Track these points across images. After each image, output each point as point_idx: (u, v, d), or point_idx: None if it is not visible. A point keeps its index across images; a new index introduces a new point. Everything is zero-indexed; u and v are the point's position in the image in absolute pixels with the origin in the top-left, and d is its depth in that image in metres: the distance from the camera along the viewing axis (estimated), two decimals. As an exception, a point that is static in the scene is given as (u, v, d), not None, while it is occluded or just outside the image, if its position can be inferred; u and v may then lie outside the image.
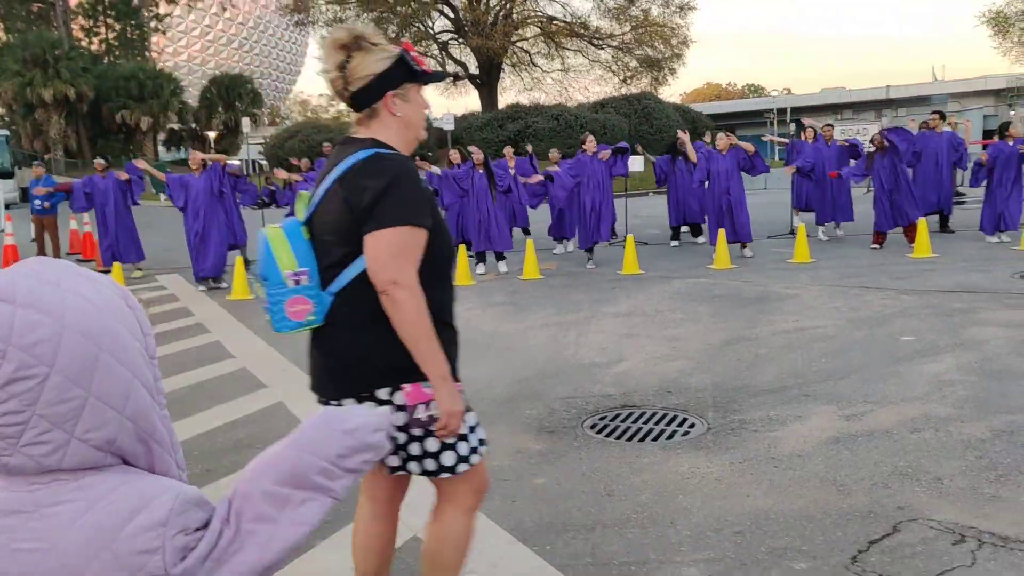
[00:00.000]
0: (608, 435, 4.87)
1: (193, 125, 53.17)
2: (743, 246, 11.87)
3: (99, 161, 12.60)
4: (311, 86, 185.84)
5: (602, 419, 5.16)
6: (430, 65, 2.43)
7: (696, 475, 4.19)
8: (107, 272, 11.24)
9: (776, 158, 33.41)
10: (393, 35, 37.80)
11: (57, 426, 0.94)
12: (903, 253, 11.38)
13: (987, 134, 30.10)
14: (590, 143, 12.27)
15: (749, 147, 11.79)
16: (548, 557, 3.35)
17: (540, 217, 15.50)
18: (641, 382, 5.90)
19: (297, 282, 2.27)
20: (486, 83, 38.95)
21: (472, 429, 2.41)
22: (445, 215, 13.86)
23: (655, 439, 4.76)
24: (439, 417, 2.24)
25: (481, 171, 11.45)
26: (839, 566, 3.20)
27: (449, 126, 25.75)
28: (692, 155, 12.04)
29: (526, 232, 15.19)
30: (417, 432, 2.30)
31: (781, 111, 48.29)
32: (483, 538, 3.52)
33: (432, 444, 2.33)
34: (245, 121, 25.49)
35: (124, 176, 12.16)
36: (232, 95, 53.67)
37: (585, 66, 40.51)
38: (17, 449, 0.93)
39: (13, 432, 0.93)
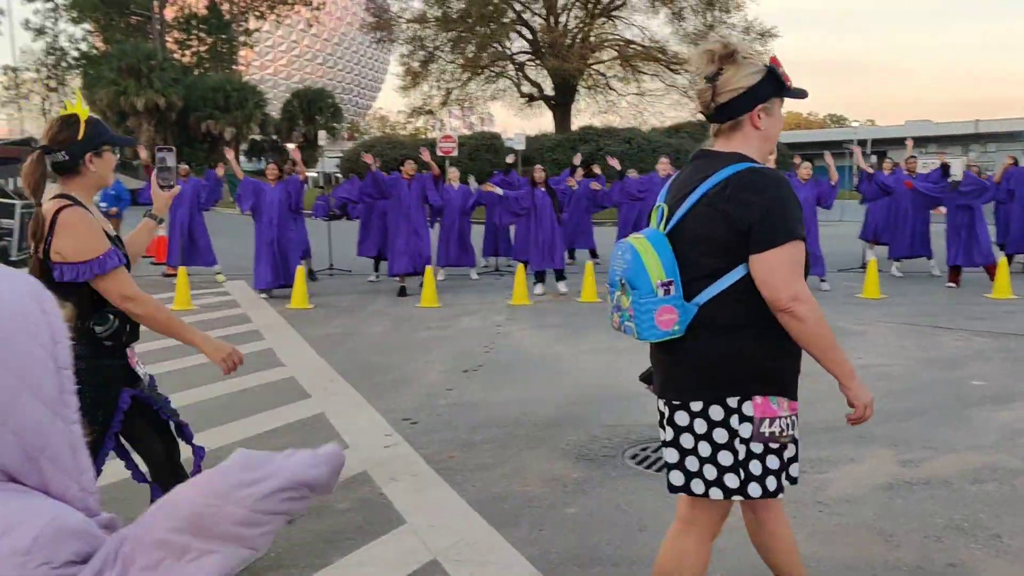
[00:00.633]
0: (649, 466, 4.71)
1: (274, 137, 54.61)
2: (821, 280, 11.51)
3: (183, 167, 12.95)
4: (390, 103, 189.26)
5: (644, 450, 4.99)
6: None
7: (734, 515, 3.99)
8: (172, 276, 11.52)
9: (850, 189, 32.51)
10: (471, 55, 38.25)
11: None
12: (981, 293, 10.87)
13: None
14: (663, 166, 12.16)
15: (834, 174, 11.60)
16: (569, 592, 3.22)
17: (603, 240, 15.34)
18: (689, 413, 5.71)
19: (667, 292, 2.32)
20: (561, 104, 38.97)
21: (791, 460, 2.45)
22: (497, 233, 13.85)
23: (697, 474, 4.58)
24: (777, 435, 2.35)
25: (543, 190, 11.38)
26: (879, 624, 2.99)
27: (520, 146, 25.74)
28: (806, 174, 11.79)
29: (593, 254, 15.06)
30: (756, 448, 2.35)
31: (862, 142, 47.13)
32: (505, 566, 3.42)
33: (756, 466, 2.37)
34: (321, 134, 25.97)
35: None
36: (313, 109, 54.96)
37: (661, 90, 40.16)
38: None
39: None
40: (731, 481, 2.36)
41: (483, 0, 36.25)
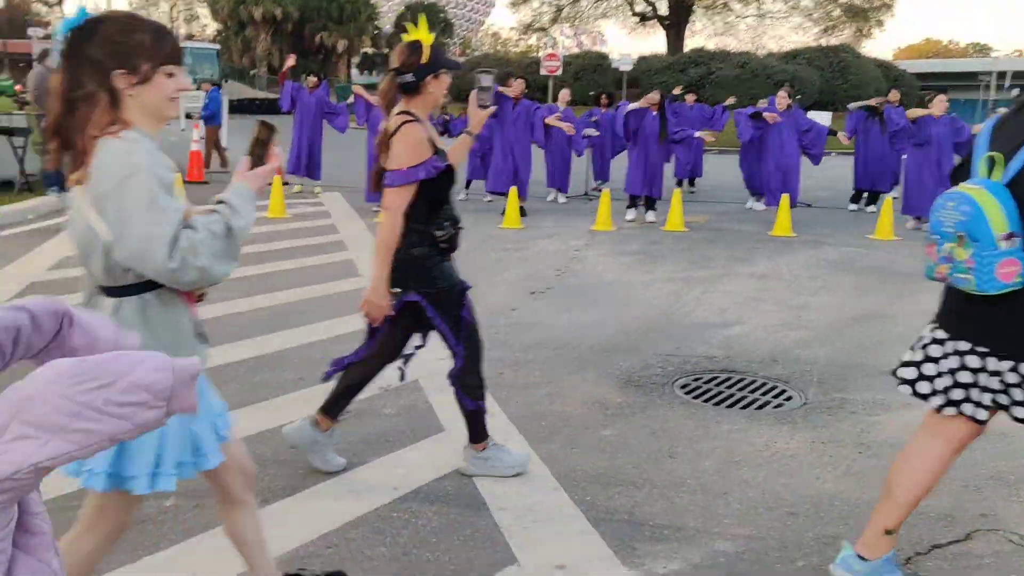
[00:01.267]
0: (696, 397, 4.73)
1: (385, 50, 54.92)
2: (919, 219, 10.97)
3: (312, 79, 13.23)
4: (503, 19, 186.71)
5: (696, 380, 5.01)
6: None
7: (770, 449, 4.01)
8: (287, 184, 11.92)
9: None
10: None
11: None
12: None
13: None
14: (781, 99, 11.75)
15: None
16: (584, 508, 3.33)
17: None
18: (750, 348, 5.66)
19: (1010, 243, 2.35)
20: (674, 25, 37.67)
21: None
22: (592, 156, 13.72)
23: (744, 407, 4.58)
24: None
25: (655, 113, 10.99)
26: (888, 565, 2.98)
27: (627, 67, 25.16)
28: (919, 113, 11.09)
29: (691, 183, 14.76)
30: None
31: (1002, 75, 43.82)
32: (528, 479, 3.56)
33: None
34: (427, 49, 26.00)
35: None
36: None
37: (783, 12, 38.36)
38: None
39: None
40: None
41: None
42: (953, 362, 2.57)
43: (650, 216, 11.24)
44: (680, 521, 3.26)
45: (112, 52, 1.91)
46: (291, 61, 13.30)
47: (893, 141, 11.85)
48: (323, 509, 3.27)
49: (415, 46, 3.20)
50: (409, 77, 3.20)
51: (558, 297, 6.93)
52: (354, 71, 55.98)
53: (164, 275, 1.91)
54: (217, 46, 39.11)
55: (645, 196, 11.20)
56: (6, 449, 0.90)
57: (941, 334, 2.61)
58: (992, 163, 2.43)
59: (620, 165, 12.48)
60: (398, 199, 3.21)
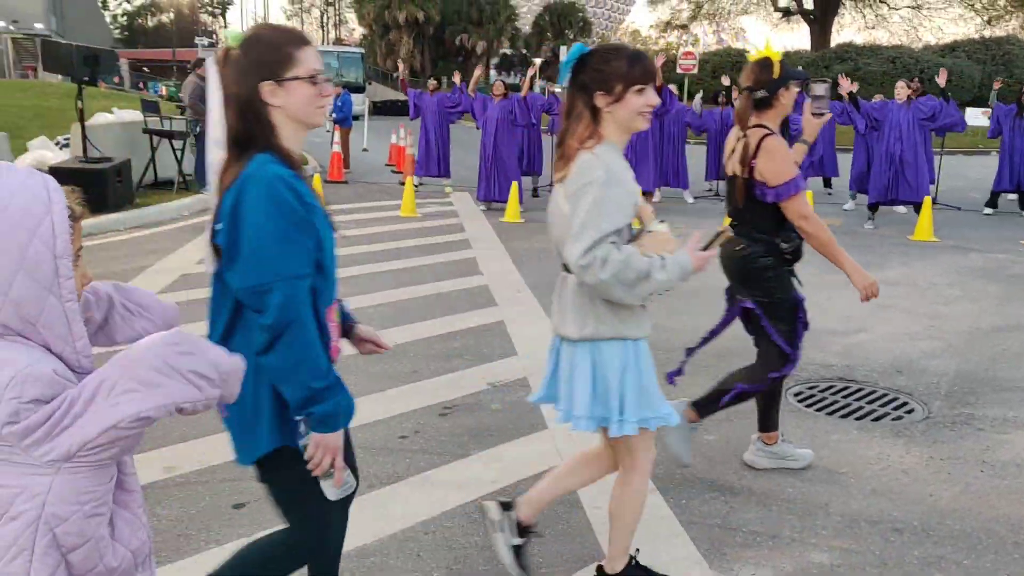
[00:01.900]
0: (810, 406, 4.62)
1: (524, 51, 55.50)
2: None
3: (432, 82, 13.72)
4: (643, 18, 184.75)
5: (811, 388, 4.89)
6: None
7: (881, 462, 3.88)
8: (418, 187, 12.36)
9: None
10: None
11: None
12: None
13: None
14: (900, 90, 11.14)
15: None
16: (678, 511, 3.34)
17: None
18: (872, 357, 5.46)
19: None
20: (819, 19, 36.20)
21: None
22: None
23: (859, 418, 4.44)
24: None
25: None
26: (996, 590, 2.85)
27: (767, 64, 24.39)
28: None
29: (827, 183, 14.23)
30: None
31: None
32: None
33: None
34: (563, 50, 26.18)
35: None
36: (563, 23, 55.09)
37: (942, 3, 36.16)
38: None
39: None
40: None
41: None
42: None
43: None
44: (775, 529, 3.22)
45: (594, 78, 2.34)
46: (479, 71, 13.43)
47: None
48: (424, 497, 3.43)
49: (766, 63, 3.36)
50: (762, 93, 3.36)
51: (678, 299, 6.84)
52: (492, 72, 56.95)
53: (573, 266, 2.31)
54: (362, 50, 40.75)
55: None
56: (118, 401, 1.14)
57: None
58: None
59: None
60: (804, 206, 3.33)
